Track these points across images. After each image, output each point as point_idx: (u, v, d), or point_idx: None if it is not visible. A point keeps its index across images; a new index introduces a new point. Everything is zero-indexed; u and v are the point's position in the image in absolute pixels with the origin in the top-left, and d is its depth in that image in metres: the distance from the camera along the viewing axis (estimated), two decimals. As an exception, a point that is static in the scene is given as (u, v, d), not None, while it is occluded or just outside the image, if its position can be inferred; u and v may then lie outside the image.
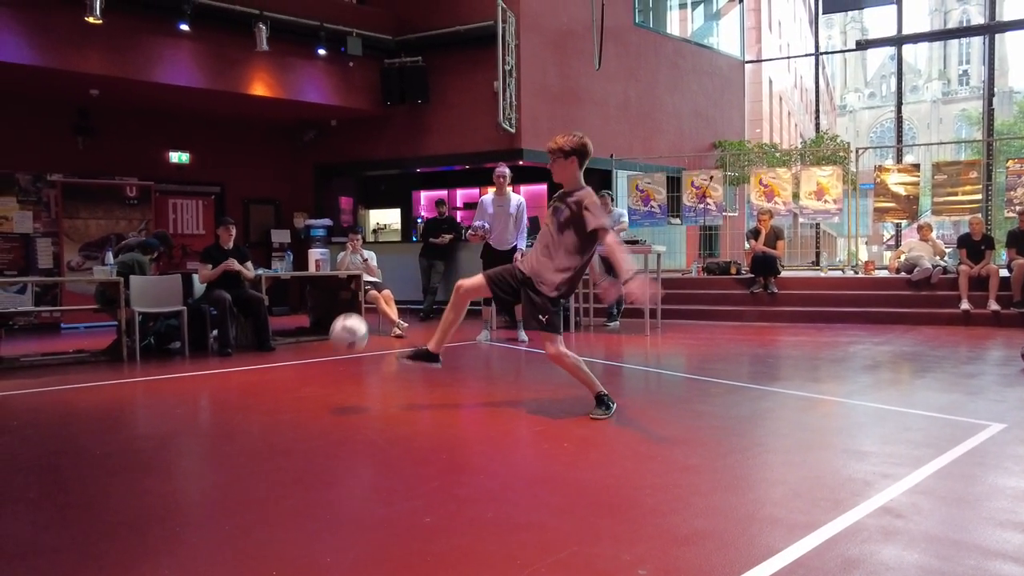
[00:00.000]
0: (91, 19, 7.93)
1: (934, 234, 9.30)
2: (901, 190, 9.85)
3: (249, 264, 6.86)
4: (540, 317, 3.65)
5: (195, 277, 7.15)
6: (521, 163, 10.22)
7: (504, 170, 6.87)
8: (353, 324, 3.99)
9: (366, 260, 8.17)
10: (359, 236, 8.42)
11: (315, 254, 8.00)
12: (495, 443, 3.25)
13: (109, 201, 9.56)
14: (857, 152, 10.93)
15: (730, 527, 2.16)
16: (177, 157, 10.71)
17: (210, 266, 6.58)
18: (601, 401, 3.69)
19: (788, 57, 26.36)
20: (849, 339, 6.83)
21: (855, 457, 2.89)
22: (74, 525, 2.30)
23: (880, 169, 10.12)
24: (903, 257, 8.94)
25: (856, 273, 9.72)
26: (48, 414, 4.08)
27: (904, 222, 10.87)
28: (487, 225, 6.86)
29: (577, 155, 3.60)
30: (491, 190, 12.08)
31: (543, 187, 12.35)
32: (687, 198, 10.47)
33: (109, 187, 9.63)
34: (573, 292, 3.99)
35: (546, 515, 2.31)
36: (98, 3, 7.86)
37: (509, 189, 6.95)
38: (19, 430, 3.69)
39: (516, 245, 6.95)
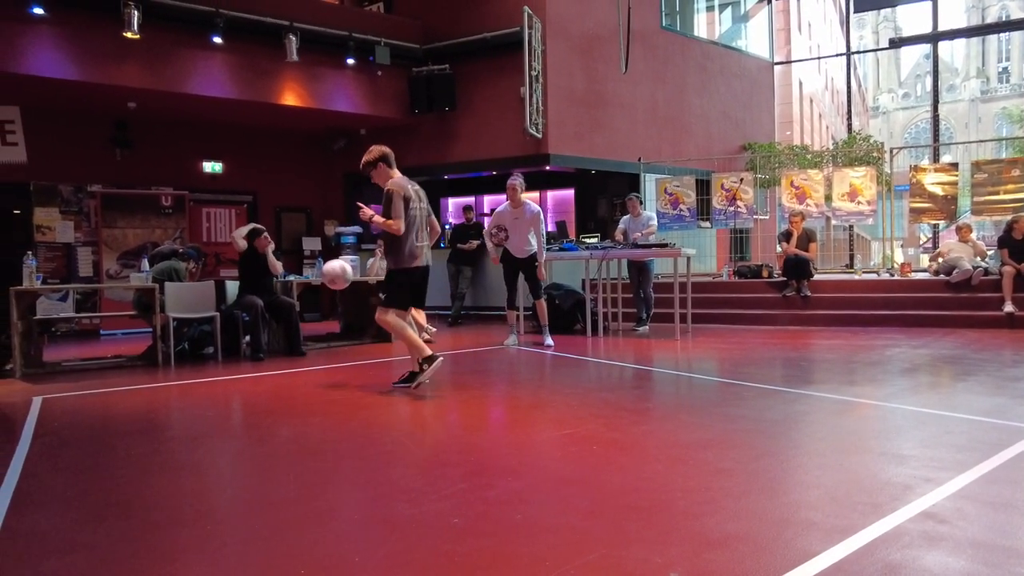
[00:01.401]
0: (129, 34, 8.17)
1: (974, 235, 9.03)
2: (938, 190, 9.60)
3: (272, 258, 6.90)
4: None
5: (228, 284, 7.27)
6: (548, 168, 10.21)
7: (515, 181, 6.76)
8: (347, 264, 5.26)
9: (394, 266, 8.23)
10: (387, 242, 8.49)
11: (344, 259, 8.08)
12: (522, 445, 3.23)
13: (145, 210, 9.81)
14: (892, 152, 10.69)
15: (764, 530, 2.11)
16: (210, 167, 10.94)
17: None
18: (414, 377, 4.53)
19: (819, 58, 25.88)
20: (885, 342, 6.67)
21: (894, 461, 2.81)
22: (111, 523, 2.34)
23: (916, 169, 9.87)
24: (942, 259, 8.70)
25: (892, 275, 9.49)
26: (87, 416, 4.18)
27: (942, 223, 10.60)
28: (504, 233, 6.84)
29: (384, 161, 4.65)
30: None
31: (570, 192, 12.34)
32: (717, 201, 10.34)
33: (145, 197, 9.88)
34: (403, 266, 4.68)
35: (575, 517, 2.28)
36: (135, 19, 8.10)
37: (524, 197, 6.87)
38: (60, 431, 3.79)
39: (535, 253, 6.89)
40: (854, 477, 2.63)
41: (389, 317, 4.64)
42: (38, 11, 7.77)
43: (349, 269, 5.32)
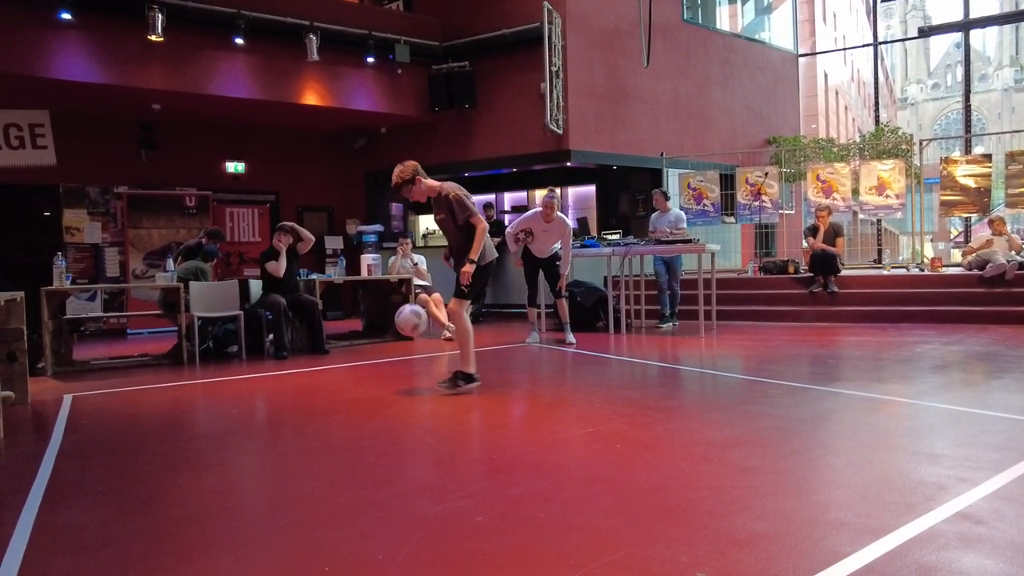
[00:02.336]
0: (153, 37, 8.28)
1: (1008, 228, 8.79)
2: (971, 182, 9.36)
3: (301, 245, 6.95)
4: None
5: (252, 282, 7.34)
6: (569, 164, 10.16)
7: (552, 199, 6.72)
8: (418, 308, 5.22)
9: (416, 264, 8.26)
10: (409, 241, 8.53)
11: (367, 259, 8.13)
12: (546, 443, 3.20)
13: (170, 211, 9.95)
14: (921, 144, 10.45)
15: (792, 530, 2.06)
16: (233, 167, 11.06)
17: (275, 262, 6.69)
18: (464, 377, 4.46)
19: (844, 48, 25.36)
20: (916, 339, 6.52)
21: (927, 460, 2.74)
22: (137, 519, 2.37)
23: (947, 161, 9.64)
24: (975, 253, 8.49)
25: (922, 271, 9.28)
26: (115, 413, 4.24)
27: (974, 216, 10.34)
28: (530, 236, 6.82)
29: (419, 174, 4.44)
30: (539, 194, 12.08)
31: (591, 188, 12.27)
32: (741, 196, 10.20)
33: (170, 197, 10.02)
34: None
35: (599, 516, 2.25)
36: (159, 22, 8.21)
37: (558, 214, 6.84)
38: (89, 429, 3.85)
39: (557, 253, 6.92)
40: (885, 476, 2.57)
41: (465, 314, 4.47)
42: (66, 16, 7.91)
43: (417, 308, 5.37)
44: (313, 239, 7.12)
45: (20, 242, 9.81)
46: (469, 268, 4.34)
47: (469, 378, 4.49)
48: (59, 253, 6.28)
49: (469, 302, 4.51)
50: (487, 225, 4.44)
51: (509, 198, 12.84)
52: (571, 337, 6.87)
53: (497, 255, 4.73)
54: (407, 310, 5.25)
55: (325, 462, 3.01)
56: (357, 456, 3.09)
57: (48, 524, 2.34)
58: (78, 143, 9.68)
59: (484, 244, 4.44)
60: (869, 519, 2.13)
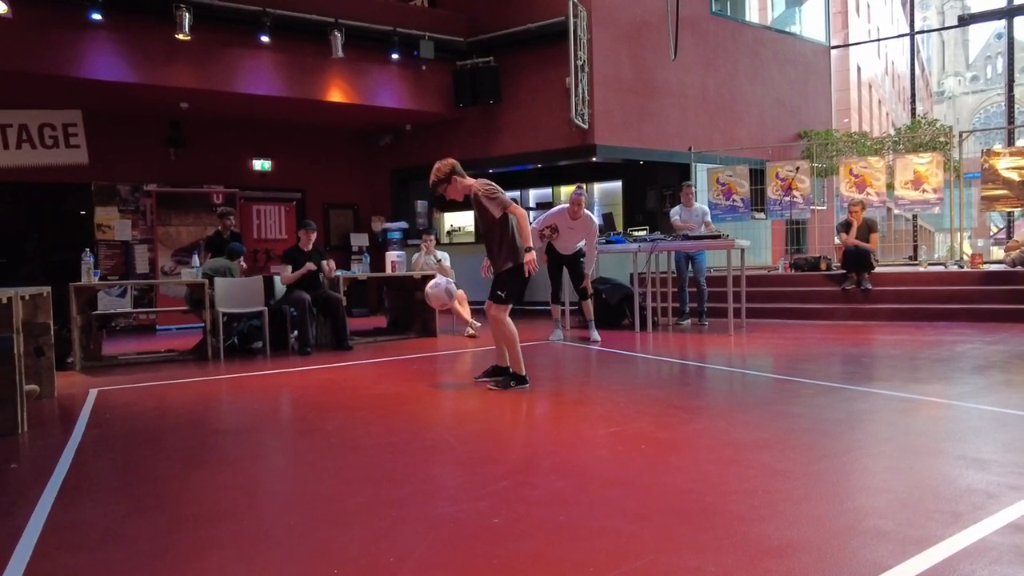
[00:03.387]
0: (180, 36, 8.35)
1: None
2: (1014, 175, 9.01)
3: (325, 263, 6.98)
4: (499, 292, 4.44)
5: (276, 279, 7.37)
6: (595, 159, 10.01)
7: (580, 196, 6.59)
8: (453, 289, 5.28)
9: (439, 261, 8.21)
10: (432, 237, 8.48)
11: (391, 256, 8.10)
12: (567, 443, 3.11)
13: (198, 208, 10.05)
14: (961, 136, 10.08)
15: (828, 539, 1.94)
16: (260, 165, 11.13)
17: (290, 268, 6.75)
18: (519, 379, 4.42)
19: (879, 39, 24.69)
20: (955, 338, 6.27)
21: (973, 465, 2.58)
22: (150, 516, 2.34)
23: (989, 153, 9.29)
24: (1019, 250, 8.15)
25: (961, 267, 8.96)
26: (138, 408, 4.25)
27: (1017, 211, 9.96)
28: (555, 233, 6.71)
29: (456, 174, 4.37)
30: (564, 191, 11.92)
31: (618, 184, 12.10)
32: (771, 191, 9.97)
33: (198, 195, 10.11)
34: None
35: (622, 520, 2.15)
36: (187, 20, 8.28)
37: (586, 211, 6.71)
38: (112, 423, 3.86)
39: (581, 249, 6.80)
40: (928, 482, 2.42)
41: (507, 318, 4.42)
42: (96, 17, 8.01)
43: (440, 283, 5.51)
44: (334, 266, 7.14)
45: (56, 239, 10.01)
46: (531, 256, 4.26)
47: (522, 380, 4.42)
48: (87, 249, 6.34)
49: (510, 306, 4.43)
50: (522, 210, 4.37)
51: (534, 194, 12.74)
52: (596, 335, 6.75)
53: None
54: (443, 285, 5.53)
55: (343, 459, 2.95)
56: (375, 454, 3.03)
57: (61, 519, 2.32)
58: (109, 142, 9.83)
59: (518, 245, 4.32)
60: (912, 528, 2.00)
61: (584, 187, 6.80)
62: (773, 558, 1.83)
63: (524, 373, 4.44)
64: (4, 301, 3.47)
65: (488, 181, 4.39)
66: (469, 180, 4.40)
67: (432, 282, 5.71)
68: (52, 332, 4.64)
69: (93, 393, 4.73)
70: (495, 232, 4.36)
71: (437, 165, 4.36)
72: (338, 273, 7.45)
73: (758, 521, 2.09)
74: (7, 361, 3.57)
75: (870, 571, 1.74)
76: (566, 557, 1.88)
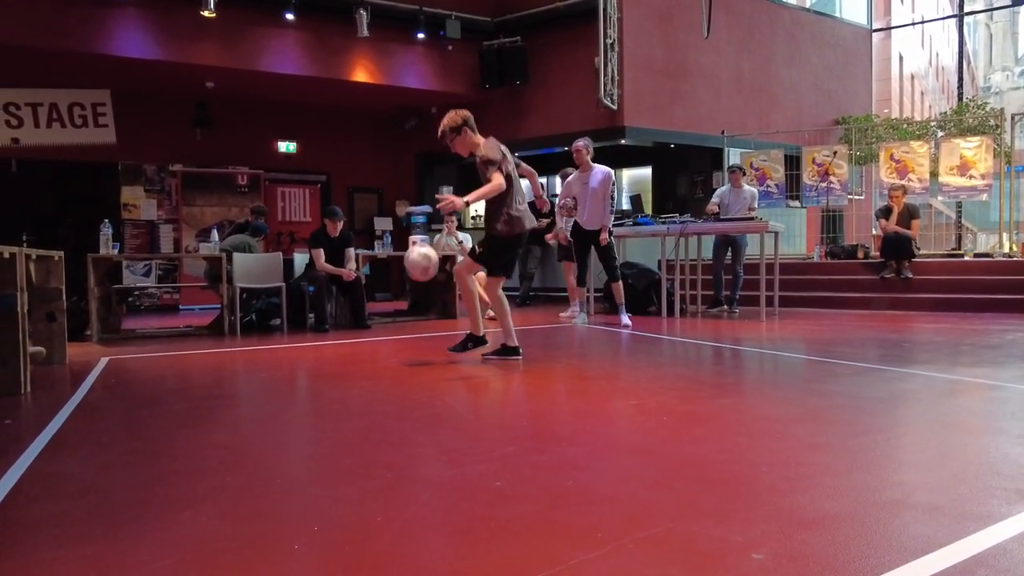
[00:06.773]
0: (206, 13, 8.31)
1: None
2: (1068, 162, 8.51)
3: (350, 251, 6.81)
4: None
5: (297, 258, 7.25)
6: (624, 142, 9.75)
7: (581, 144, 6.36)
8: (429, 252, 4.63)
9: (461, 242, 8.06)
10: (455, 219, 8.32)
11: (414, 238, 7.96)
12: (584, 413, 2.90)
13: (222, 189, 10.03)
14: (1013, 119, 9.55)
15: (872, 512, 1.71)
16: (285, 147, 11.10)
17: (323, 252, 6.55)
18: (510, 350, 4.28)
19: (923, 22, 23.57)
20: (1003, 327, 5.90)
21: (1035, 443, 2.31)
22: (133, 469, 2.20)
23: (1041, 139, 8.80)
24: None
25: (1010, 257, 8.49)
26: (146, 375, 4.16)
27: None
28: (571, 202, 6.47)
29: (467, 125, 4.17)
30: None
31: (647, 169, 11.81)
32: (807, 176, 9.59)
33: (222, 176, 10.10)
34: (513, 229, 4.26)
35: (637, 487, 1.94)
36: (212, -2, 8.24)
37: (595, 164, 6.46)
38: (116, 387, 3.77)
39: (604, 224, 6.43)
40: (985, 459, 2.16)
41: (499, 291, 4.34)
42: (123, -7, 8.02)
43: (426, 251, 4.70)
44: (354, 267, 6.90)
45: (88, 223, 10.05)
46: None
47: (514, 351, 4.31)
48: (106, 220, 6.31)
49: (501, 278, 4.35)
50: (503, 183, 4.05)
51: (560, 180, 12.48)
52: (626, 319, 6.48)
53: (528, 229, 4.36)
54: (415, 252, 4.62)
55: (343, 423, 2.79)
56: (376, 419, 2.86)
57: (40, 471, 2.19)
58: (136, 121, 9.86)
59: (512, 215, 4.16)
60: (971, 504, 1.75)
61: (587, 138, 6.54)
62: (808, 529, 1.60)
63: (482, 334, 4.34)
64: (6, 256, 3.37)
65: (495, 146, 4.16)
66: (479, 138, 4.21)
67: (407, 253, 4.88)
68: (64, 298, 4.58)
69: (104, 361, 4.66)
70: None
71: (449, 113, 4.15)
72: (360, 252, 7.31)
73: (792, 492, 1.86)
74: (10, 320, 3.47)
75: (922, 546, 1.50)
76: (573, 522, 1.67)
